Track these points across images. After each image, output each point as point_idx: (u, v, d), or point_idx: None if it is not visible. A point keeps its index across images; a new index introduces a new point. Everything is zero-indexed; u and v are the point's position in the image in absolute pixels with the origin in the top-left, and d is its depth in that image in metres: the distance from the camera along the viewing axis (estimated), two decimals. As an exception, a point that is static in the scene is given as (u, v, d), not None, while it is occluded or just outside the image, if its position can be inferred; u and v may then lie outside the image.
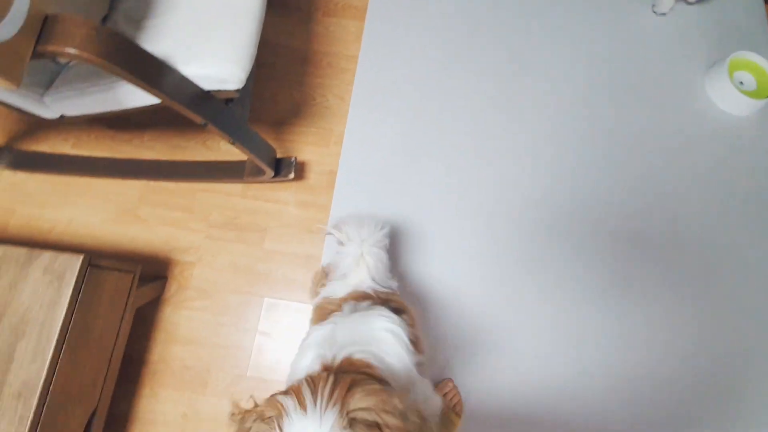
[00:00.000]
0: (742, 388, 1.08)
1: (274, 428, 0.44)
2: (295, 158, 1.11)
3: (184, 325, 1.08)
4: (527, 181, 1.21)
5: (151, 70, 0.68)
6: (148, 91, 0.68)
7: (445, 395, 1.01)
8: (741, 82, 1.31)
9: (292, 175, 1.10)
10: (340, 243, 0.85)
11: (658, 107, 1.30)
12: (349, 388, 0.45)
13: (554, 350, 1.09)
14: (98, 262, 0.81)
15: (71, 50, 0.59)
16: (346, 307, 0.71)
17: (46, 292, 0.74)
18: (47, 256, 0.76)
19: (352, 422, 0.43)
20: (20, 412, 0.69)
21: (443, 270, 1.13)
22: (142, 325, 1.06)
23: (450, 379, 1.04)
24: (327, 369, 0.55)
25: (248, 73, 0.78)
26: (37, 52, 0.60)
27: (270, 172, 1.06)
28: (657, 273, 1.15)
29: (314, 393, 0.44)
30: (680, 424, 1.04)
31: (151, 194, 1.16)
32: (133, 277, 0.93)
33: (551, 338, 1.09)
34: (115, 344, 0.91)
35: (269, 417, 0.45)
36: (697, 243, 1.18)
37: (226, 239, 1.14)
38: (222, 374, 1.06)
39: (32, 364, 0.71)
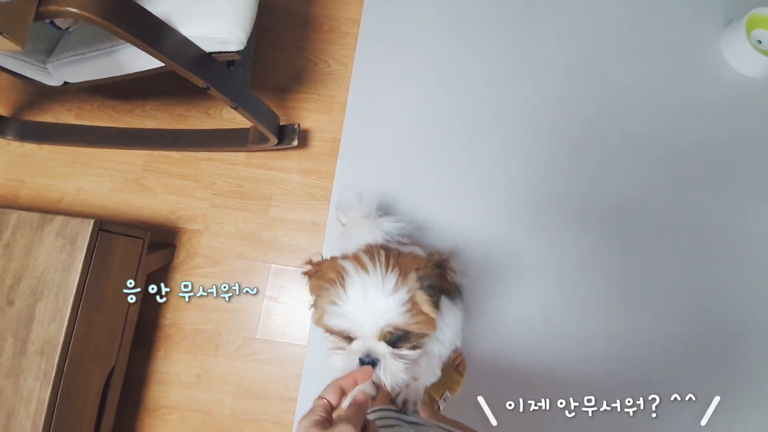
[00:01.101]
0: (744, 351, 1.10)
1: (337, 287, 0.51)
2: (299, 125, 1.11)
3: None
4: (533, 145, 1.20)
5: (151, 30, 0.68)
6: (149, 52, 0.68)
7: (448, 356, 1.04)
8: (759, 41, 1.26)
9: (295, 142, 1.10)
10: (343, 225, 0.88)
11: (670, 68, 1.26)
12: (402, 257, 0.53)
13: (557, 313, 1.11)
14: (108, 227, 0.83)
15: (71, 9, 0.59)
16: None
17: (60, 256, 0.76)
18: (59, 220, 0.78)
19: (418, 279, 0.51)
20: (44, 368, 0.73)
21: (447, 235, 1.14)
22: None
23: (453, 341, 1.07)
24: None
25: (249, 34, 0.77)
26: (38, 13, 0.59)
27: (273, 139, 1.06)
28: (663, 236, 1.15)
29: (372, 259, 0.51)
30: (678, 384, 1.07)
31: (156, 163, 1.17)
32: (143, 243, 0.95)
33: (554, 301, 1.11)
34: (128, 308, 0.94)
35: (330, 277, 0.52)
36: (706, 207, 1.17)
37: (231, 207, 1.15)
38: (232, 337, 1.09)
39: (52, 324, 0.75)
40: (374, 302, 0.49)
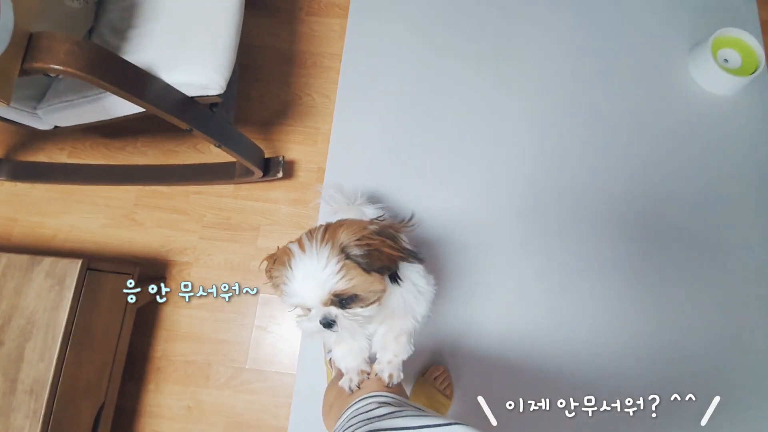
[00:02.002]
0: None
1: (286, 268, 0.58)
2: (283, 157, 1.15)
3: (184, 323, 1.12)
4: (513, 167, 1.23)
5: (133, 81, 0.72)
6: (132, 101, 0.72)
7: (435, 379, 1.05)
8: (726, 60, 1.31)
9: (280, 174, 1.14)
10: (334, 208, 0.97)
11: (640, 90, 1.31)
12: (337, 229, 0.59)
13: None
14: (97, 265, 0.85)
15: (56, 66, 0.63)
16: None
17: (49, 296, 0.79)
18: (48, 261, 0.80)
19: (343, 250, 0.57)
20: (33, 406, 0.75)
21: (435, 250, 1.16)
22: (145, 324, 1.11)
23: (441, 365, 1.08)
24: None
25: (228, 78, 0.81)
26: (24, 70, 0.63)
27: (259, 173, 1.09)
28: (644, 252, 1.18)
29: (310, 239, 0.58)
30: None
31: (147, 198, 1.20)
32: (131, 279, 0.97)
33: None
34: (118, 343, 0.96)
35: (283, 261, 0.59)
36: (683, 223, 1.20)
37: (220, 239, 1.18)
38: (222, 368, 1.10)
39: (41, 363, 0.76)
40: (312, 277, 0.56)
